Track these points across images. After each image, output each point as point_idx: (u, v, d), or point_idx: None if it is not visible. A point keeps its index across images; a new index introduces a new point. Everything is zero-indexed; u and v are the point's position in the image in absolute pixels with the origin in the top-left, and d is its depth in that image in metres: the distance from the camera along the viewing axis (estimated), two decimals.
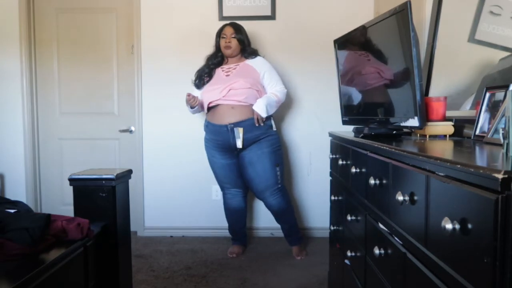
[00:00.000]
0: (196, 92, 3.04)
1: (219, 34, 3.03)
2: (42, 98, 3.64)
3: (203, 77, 3.02)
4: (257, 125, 2.86)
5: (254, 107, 2.86)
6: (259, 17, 3.41)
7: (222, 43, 3.00)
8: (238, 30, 3.01)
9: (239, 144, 2.87)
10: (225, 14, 3.42)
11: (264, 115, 2.85)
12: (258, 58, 3.06)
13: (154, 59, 3.49)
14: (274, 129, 3.01)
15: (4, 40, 3.52)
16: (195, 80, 3.05)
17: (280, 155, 3.05)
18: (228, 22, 3.09)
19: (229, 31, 3.00)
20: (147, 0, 3.47)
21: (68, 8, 3.58)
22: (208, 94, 2.95)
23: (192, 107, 2.96)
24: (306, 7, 3.42)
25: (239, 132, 2.86)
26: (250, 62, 3.03)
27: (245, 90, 2.89)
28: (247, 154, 2.94)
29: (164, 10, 3.48)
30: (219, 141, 2.95)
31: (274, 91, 2.99)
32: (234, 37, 2.99)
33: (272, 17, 3.42)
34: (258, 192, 3.02)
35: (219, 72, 3.01)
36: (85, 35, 3.58)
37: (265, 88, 3.01)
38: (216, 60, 3.04)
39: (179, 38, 3.48)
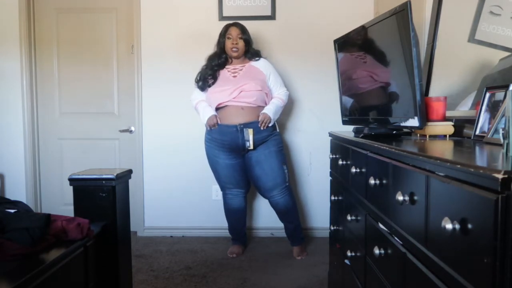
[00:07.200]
0: (198, 93, 3.04)
1: (224, 35, 2.99)
2: (42, 98, 3.64)
3: (207, 79, 2.98)
4: (262, 128, 2.87)
5: (264, 110, 2.90)
6: (259, 17, 3.41)
7: (228, 44, 2.96)
8: (244, 31, 2.99)
9: (248, 145, 2.87)
10: (225, 14, 3.42)
11: (273, 118, 2.91)
12: (261, 60, 3.05)
13: (154, 59, 3.49)
14: (277, 130, 3.05)
15: (4, 40, 3.52)
16: (198, 82, 3.02)
17: (284, 155, 3.08)
18: (231, 22, 3.06)
19: (235, 32, 2.96)
20: (147, 0, 3.47)
21: (68, 8, 3.58)
22: (217, 95, 2.92)
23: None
24: (306, 7, 3.42)
25: (249, 134, 2.86)
26: (255, 64, 3.01)
27: (255, 92, 2.90)
28: (254, 154, 2.94)
29: (164, 10, 3.48)
30: (225, 141, 2.93)
31: (278, 94, 3.01)
32: (240, 38, 2.96)
33: (272, 17, 3.42)
34: (265, 191, 3.00)
35: (224, 73, 2.99)
36: (85, 35, 3.58)
37: (271, 90, 3.02)
38: (220, 61, 3.00)
39: (179, 38, 3.48)
